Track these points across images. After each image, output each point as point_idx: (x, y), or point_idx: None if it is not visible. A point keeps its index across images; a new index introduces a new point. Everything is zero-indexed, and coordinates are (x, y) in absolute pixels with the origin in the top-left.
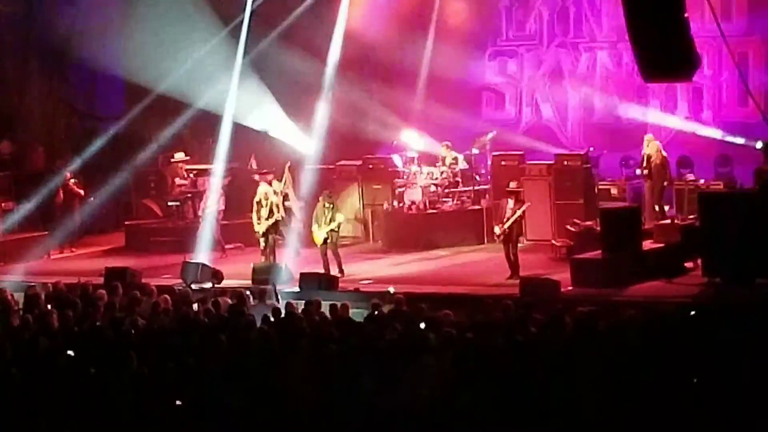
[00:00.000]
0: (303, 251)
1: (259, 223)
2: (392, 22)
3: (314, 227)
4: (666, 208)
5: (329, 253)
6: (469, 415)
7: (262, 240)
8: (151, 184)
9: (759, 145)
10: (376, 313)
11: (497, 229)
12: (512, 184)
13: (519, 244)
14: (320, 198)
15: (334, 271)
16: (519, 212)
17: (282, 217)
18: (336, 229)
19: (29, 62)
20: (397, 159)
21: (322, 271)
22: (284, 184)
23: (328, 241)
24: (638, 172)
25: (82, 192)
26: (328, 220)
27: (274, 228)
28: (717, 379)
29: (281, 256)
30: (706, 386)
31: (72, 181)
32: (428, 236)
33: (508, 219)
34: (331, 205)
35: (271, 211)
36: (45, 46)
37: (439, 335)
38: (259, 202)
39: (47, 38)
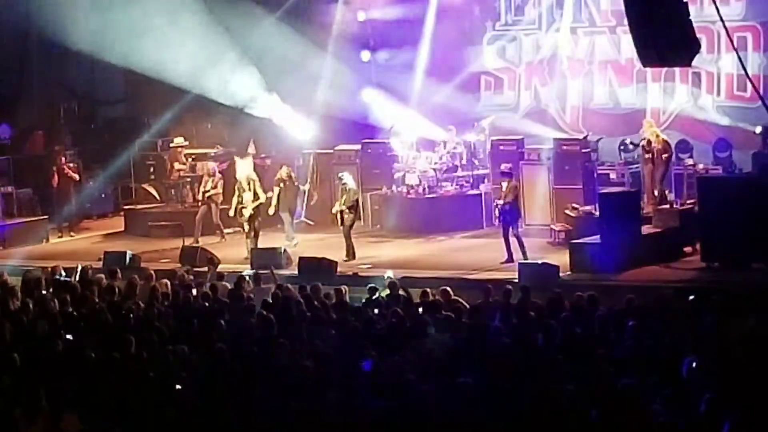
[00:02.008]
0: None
1: (244, 207)
2: (392, 6)
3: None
4: (665, 192)
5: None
6: (467, 399)
7: (246, 224)
8: (150, 168)
9: (758, 129)
10: (373, 297)
11: (496, 212)
12: (503, 166)
13: (520, 228)
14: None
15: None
16: (507, 199)
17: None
18: (346, 210)
19: (29, 46)
20: (395, 143)
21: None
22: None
23: (344, 224)
24: (639, 154)
25: (77, 176)
26: (342, 200)
27: (258, 211)
28: (715, 363)
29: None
30: (704, 370)
31: (71, 165)
32: (427, 221)
33: (500, 199)
34: (346, 185)
35: (255, 195)
36: (44, 30)
37: (438, 319)
38: (241, 187)
39: (47, 23)
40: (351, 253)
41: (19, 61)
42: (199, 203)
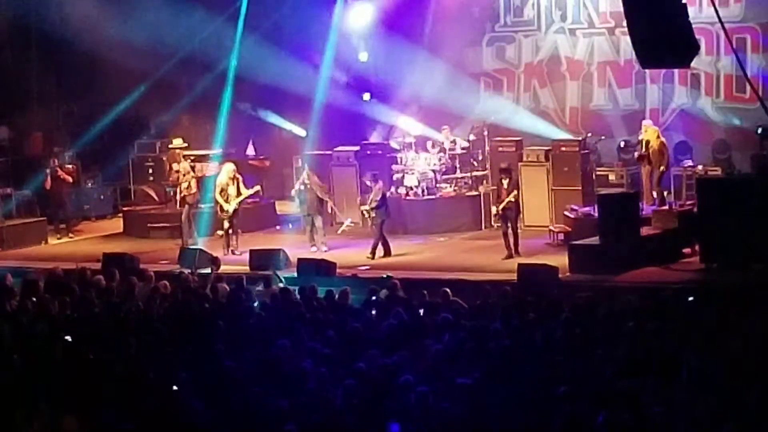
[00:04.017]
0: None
1: (228, 203)
2: (391, 7)
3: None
4: (664, 193)
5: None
6: (466, 401)
7: (227, 222)
8: (149, 170)
9: (759, 130)
10: (373, 298)
11: (494, 209)
12: (503, 165)
13: (518, 229)
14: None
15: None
16: (510, 197)
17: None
18: (371, 210)
19: (28, 47)
20: (394, 144)
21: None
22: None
23: (372, 221)
24: (636, 154)
25: (70, 179)
26: (369, 199)
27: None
28: (715, 364)
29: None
30: (702, 371)
31: (68, 166)
32: (426, 222)
33: (503, 201)
34: (376, 184)
35: (238, 190)
36: (44, 31)
37: (437, 320)
38: (226, 183)
39: (46, 23)
40: (387, 251)
41: (18, 63)
42: (178, 205)
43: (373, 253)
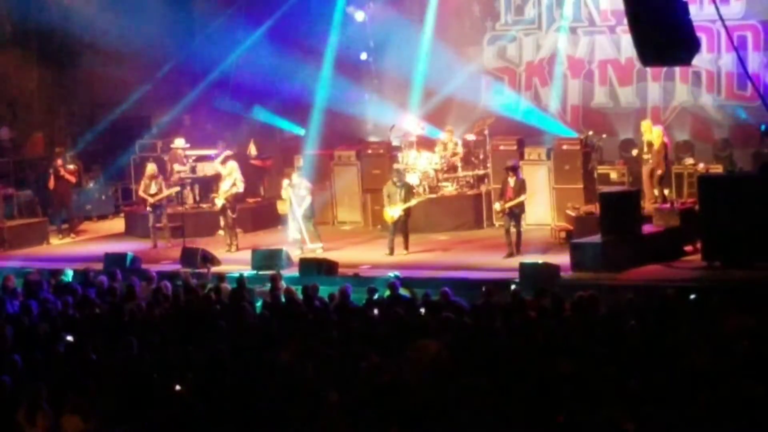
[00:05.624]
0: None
1: (216, 197)
2: (391, 6)
3: (386, 205)
4: (665, 192)
5: (398, 230)
6: (466, 398)
7: (221, 217)
8: None
9: (763, 127)
10: (374, 297)
11: (498, 206)
12: (509, 162)
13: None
14: (391, 177)
15: (399, 249)
16: (522, 197)
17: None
18: (403, 206)
19: (29, 48)
20: (396, 142)
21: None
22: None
23: (400, 219)
24: (635, 152)
25: (73, 179)
26: (402, 198)
27: (231, 200)
28: (715, 363)
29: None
30: (702, 370)
31: (70, 167)
32: (428, 221)
33: (510, 199)
34: (402, 184)
35: (234, 185)
36: (45, 31)
37: (438, 319)
38: (222, 179)
39: (47, 24)
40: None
41: (19, 63)
42: (147, 209)
43: (407, 246)
